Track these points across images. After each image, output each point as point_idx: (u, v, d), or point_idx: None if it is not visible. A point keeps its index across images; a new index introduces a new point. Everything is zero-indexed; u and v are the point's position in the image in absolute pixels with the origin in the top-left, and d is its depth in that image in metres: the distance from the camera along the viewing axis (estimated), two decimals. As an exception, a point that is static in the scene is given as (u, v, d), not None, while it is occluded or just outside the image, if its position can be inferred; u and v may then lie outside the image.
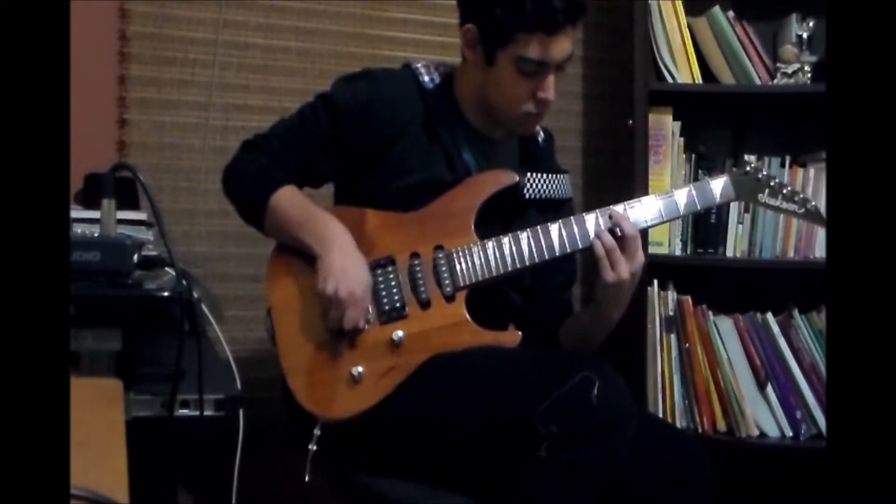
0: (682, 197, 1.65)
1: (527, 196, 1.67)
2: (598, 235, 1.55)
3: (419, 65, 1.71)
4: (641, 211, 1.63)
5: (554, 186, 1.72)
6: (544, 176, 1.70)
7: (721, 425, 2.40)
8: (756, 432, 2.38)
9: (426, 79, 1.69)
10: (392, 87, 1.66)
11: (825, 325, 2.36)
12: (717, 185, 1.67)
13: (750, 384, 2.41)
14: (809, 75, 2.46)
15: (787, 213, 1.75)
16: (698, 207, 1.67)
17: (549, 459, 1.37)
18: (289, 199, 1.64)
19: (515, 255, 1.60)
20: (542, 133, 1.79)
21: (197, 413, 1.45)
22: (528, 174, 1.68)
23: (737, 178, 1.68)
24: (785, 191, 1.71)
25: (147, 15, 2.23)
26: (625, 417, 1.40)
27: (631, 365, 2.35)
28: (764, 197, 1.71)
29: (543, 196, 1.69)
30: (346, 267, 1.55)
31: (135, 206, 1.69)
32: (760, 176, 1.70)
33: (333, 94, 1.66)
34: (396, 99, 1.65)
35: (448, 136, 1.66)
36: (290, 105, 1.74)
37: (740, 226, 2.47)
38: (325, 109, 1.66)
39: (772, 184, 1.70)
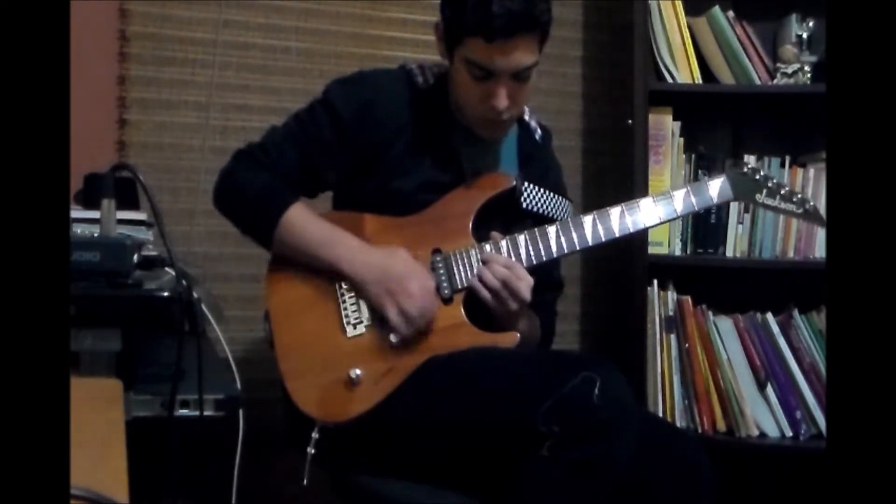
0: (680, 198, 1.65)
1: (524, 206, 1.68)
2: (486, 283, 1.57)
3: (413, 66, 1.71)
4: (639, 215, 1.64)
5: (552, 205, 1.72)
6: (542, 191, 1.70)
7: (721, 425, 2.40)
8: (756, 432, 2.38)
9: (420, 79, 1.69)
10: (387, 89, 1.66)
11: (825, 325, 2.36)
12: (715, 186, 1.68)
13: (750, 384, 2.41)
14: (809, 75, 2.46)
15: (786, 213, 1.75)
16: (696, 208, 1.67)
17: (550, 459, 1.37)
18: (300, 220, 1.61)
19: (513, 257, 1.60)
20: (538, 131, 1.79)
21: (197, 413, 1.45)
22: (526, 184, 1.68)
23: (734, 179, 1.68)
24: (783, 191, 1.71)
25: (147, 15, 2.23)
26: (626, 417, 1.41)
27: (631, 365, 2.35)
28: (762, 197, 1.71)
29: (541, 211, 1.69)
30: (387, 269, 1.56)
31: (135, 206, 1.69)
32: (758, 176, 1.70)
33: (332, 100, 1.65)
34: (392, 101, 1.65)
35: (442, 136, 1.66)
36: (290, 105, 1.74)
37: (740, 226, 2.47)
38: (325, 115, 1.65)
39: (769, 184, 1.70)
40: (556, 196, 1.73)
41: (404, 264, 1.57)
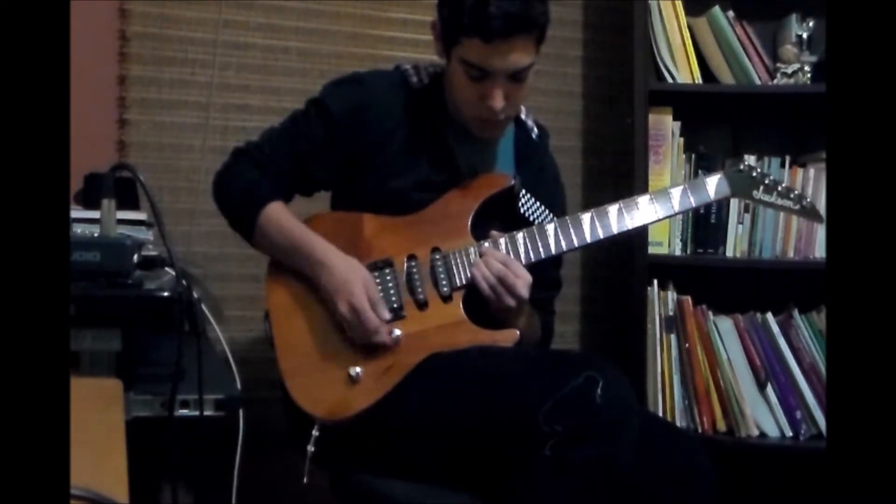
0: (677, 195, 1.66)
1: (521, 211, 1.68)
2: (482, 278, 1.57)
3: (408, 66, 1.72)
4: (637, 213, 1.64)
5: (541, 217, 1.72)
6: (536, 202, 1.71)
7: (721, 425, 2.40)
8: (756, 432, 2.38)
9: (415, 80, 1.69)
10: (381, 90, 1.67)
11: (825, 325, 2.36)
12: (712, 183, 1.69)
13: (750, 384, 2.41)
14: (809, 75, 2.46)
15: (783, 209, 1.76)
16: (693, 205, 1.68)
17: (553, 459, 1.37)
18: (274, 221, 1.63)
19: (511, 255, 1.61)
20: (535, 129, 1.79)
21: (197, 413, 1.45)
22: (525, 193, 1.69)
23: (731, 175, 1.70)
24: (780, 187, 1.73)
25: (147, 15, 2.23)
26: (628, 417, 1.41)
27: (631, 365, 2.35)
28: (759, 193, 1.72)
29: (530, 219, 1.70)
30: (336, 284, 1.56)
31: (135, 206, 1.69)
32: (755, 173, 1.72)
33: (325, 100, 1.66)
34: (385, 101, 1.66)
35: (437, 136, 1.67)
36: (290, 105, 1.74)
37: (740, 226, 2.47)
38: (317, 115, 1.66)
39: (766, 181, 1.72)
40: (547, 211, 1.74)
41: (363, 281, 1.56)
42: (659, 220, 1.68)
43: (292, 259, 1.62)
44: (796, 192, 1.75)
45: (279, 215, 1.64)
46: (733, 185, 1.69)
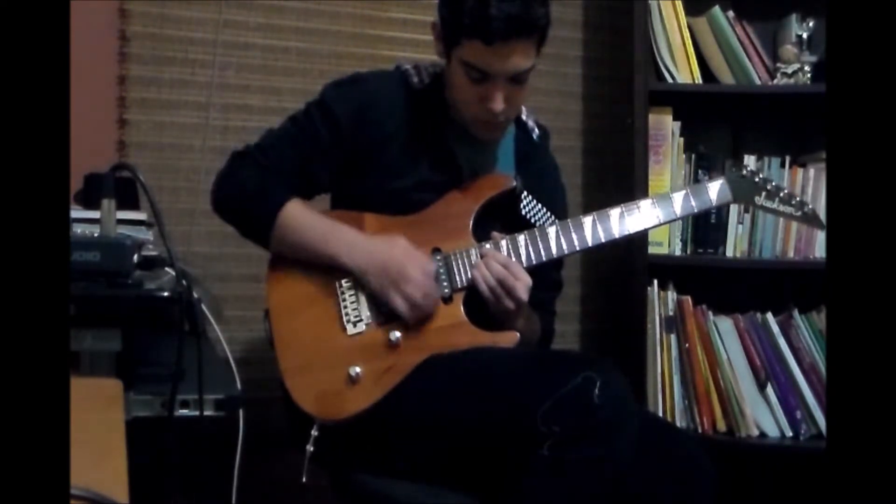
0: (679, 200, 1.66)
1: (523, 212, 1.68)
2: (482, 280, 1.57)
3: (409, 66, 1.71)
4: (638, 217, 1.64)
5: (542, 219, 1.72)
6: (541, 206, 1.71)
7: (721, 425, 2.40)
8: (756, 432, 2.38)
9: (415, 80, 1.69)
10: (382, 90, 1.66)
11: (825, 325, 2.36)
12: (714, 188, 1.68)
13: (750, 384, 2.41)
14: (809, 75, 2.46)
15: (785, 215, 1.76)
16: (695, 210, 1.68)
17: (551, 459, 1.37)
18: (297, 216, 1.61)
19: (512, 257, 1.61)
20: (536, 130, 1.79)
21: (197, 413, 1.45)
22: (526, 195, 1.69)
23: (734, 181, 1.69)
24: (782, 193, 1.73)
25: (147, 15, 2.23)
26: (627, 417, 1.40)
27: (631, 365, 2.35)
28: (761, 199, 1.72)
29: (532, 221, 1.70)
30: (386, 259, 1.56)
31: (135, 206, 1.69)
32: (757, 179, 1.72)
33: (328, 101, 1.66)
34: (387, 102, 1.65)
35: (438, 136, 1.67)
36: (290, 105, 1.75)
37: (740, 226, 2.47)
38: (321, 117, 1.65)
39: (769, 187, 1.71)
40: (548, 212, 1.74)
41: (404, 252, 1.57)
42: (660, 224, 1.68)
43: (323, 248, 1.59)
44: (798, 198, 1.75)
45: (302, 211, 1.63)
46: (735, 191, 1.69)
